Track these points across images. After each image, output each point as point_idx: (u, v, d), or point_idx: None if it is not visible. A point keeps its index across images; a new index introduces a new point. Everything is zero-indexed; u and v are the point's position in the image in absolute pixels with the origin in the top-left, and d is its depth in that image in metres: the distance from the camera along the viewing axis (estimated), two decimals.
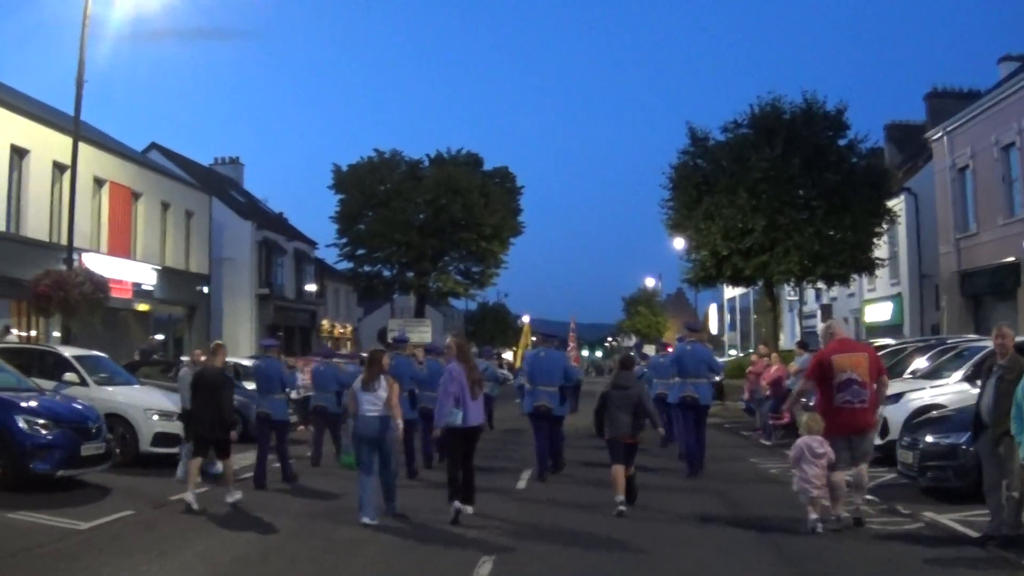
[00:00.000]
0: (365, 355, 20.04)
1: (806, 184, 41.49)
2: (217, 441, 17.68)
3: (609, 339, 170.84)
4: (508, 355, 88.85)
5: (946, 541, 13.64)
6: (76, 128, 32.24)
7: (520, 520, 15.83)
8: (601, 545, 13.77)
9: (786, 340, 55.07)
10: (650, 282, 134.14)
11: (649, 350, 43.54)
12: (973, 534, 13.61)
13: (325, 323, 77.86)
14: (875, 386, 14.70)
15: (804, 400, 18.04)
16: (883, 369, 15.48)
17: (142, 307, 47.90)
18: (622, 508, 15.98)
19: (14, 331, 33.14)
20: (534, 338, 29.97)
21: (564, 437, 22.63)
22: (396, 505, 16.16)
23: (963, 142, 42.75)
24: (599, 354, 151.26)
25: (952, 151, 43.72)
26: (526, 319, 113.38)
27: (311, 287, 72.38)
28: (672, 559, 12.94)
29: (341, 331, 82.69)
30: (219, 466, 19.93)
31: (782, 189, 40.95)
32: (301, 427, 28.24)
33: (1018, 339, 14.05)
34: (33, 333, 36.07)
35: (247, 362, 35.80)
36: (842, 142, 43.37)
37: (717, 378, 28.00)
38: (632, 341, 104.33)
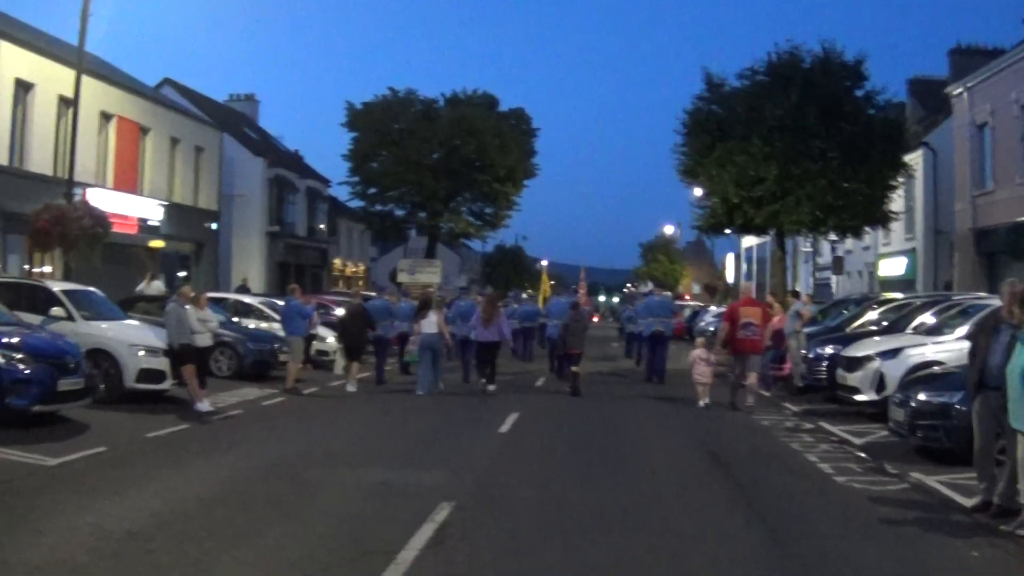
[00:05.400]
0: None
1: (821, 134, 40.40)
2: (359, 350, 28.30)
3: (628, 285, 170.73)
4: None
5: (930, 505, 13.16)
6: (80, 60, 31.93)
7: (493, 465, 15.78)
8: (570, 494, 13.53)
9: (802, 291, 54.54)
10: (669, 229, 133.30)
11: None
12: (959, 498, 13.18)
13: (337, 262, 77.37)
14: (765, 328, 24.91)
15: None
16: (770, 318, 26.05)
17: (155, 244, 47.37)
18: (568, 392, 26.94)
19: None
20: (552, 283, 48.08)
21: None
22: (441, 386, 27.35)
23: (983, 99, 42.08)
24: (616, 300, 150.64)
25: (972, 107, 43.10)
26: (544, 263, 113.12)
27: (322, 226, 71.81)
28: (641, 513, 12.52)
29: (353, 270, 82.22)
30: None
31: (796, 138, 40.17)
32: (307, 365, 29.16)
33: None
34: (48, 268, 35.62)
35: (248, 299, 35.76)
36: (859, 93, 42.51)
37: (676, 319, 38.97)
38: (648, 287, 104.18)
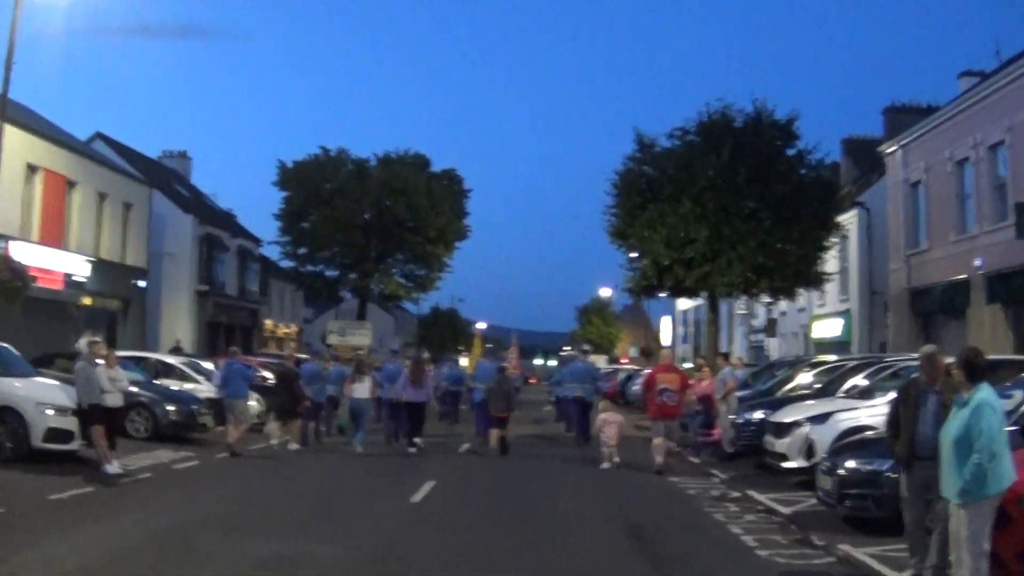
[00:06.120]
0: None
1: (752, 194, 40.26)
2: (289, 410, 28.08)
3: (565, 348, 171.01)
4: (464, 361, 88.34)
5: None
6: (3, 109, 31.19)
7: (397, 537, 15.22)
8: (473, 572, 13.03)
9: (734, 354, 54.18)
10: (605, 292, 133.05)
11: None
12: (889, 572, 12.61)
13: (268, 323, 76.46)
14: (683, 394, 25.38)
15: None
16: (687, 385, 26.21)
17: (86, 300, 46.55)
18: (494, 452, 27.94)
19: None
20: (489, 345, 49.81)
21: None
22: (360, 446, 27.74)
23: (917, 156, 42.03)
24: (553, 363, 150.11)
25: (906, 165, 43.04)
26: (482, 326, 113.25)
27: (253, 286, 71.22)
28: None
29: (286, 331, 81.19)
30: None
31: (727, 198, 39.85)
32: (220, 427, 28.79)
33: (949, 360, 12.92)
34: None
35: (172, 359, 35.25)
36: (791, 152, 42.41)
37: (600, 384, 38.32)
38: (570, 351, 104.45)
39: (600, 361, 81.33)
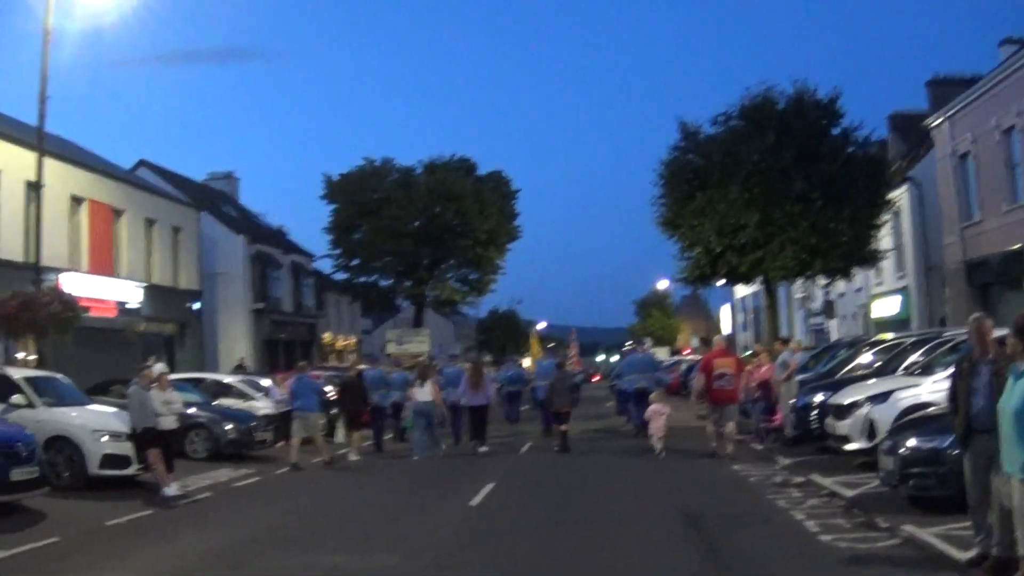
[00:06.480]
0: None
1: (801, 175, 39.59)
2: (355, 418, 29.77)
3: (628, 343, 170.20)
4: (526, 362, 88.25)
5: (923, 562, 12.28)
6: (40, 143, 31.36)
7: (455, 543, 15.02)
8: (532, 573, 12.94)
9: (794, 338, 53.68)
10: (662, 284, 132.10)
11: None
12: (955, 552, 12.24)
13: (327, 336, 76.45)
14: (739, 377, 25.98)
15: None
16: (743, 368, 27.03)
17: (142, 327, 46.91)
18: (556, 449, 28.23)
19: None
20: (551, 344, 57.38)
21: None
22: (440, 451, 28.48)
23: (963, 127, 41.58)
24: (615, 358, 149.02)
25: (953, 138, 42.58)
26: (542, 325, 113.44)
27: (309, 300, 71.40)
28: None
29: (344, 343, 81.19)
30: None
31: (775, 182, 39.34)
32: (281, 443, 29.28)
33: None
34: (33, 356, 35.01)
35: (228, 379, 35.37)
36: (836, 131, 41.78)
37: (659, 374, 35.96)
38: (643, 344, 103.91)
39: (662, 353, 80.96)
